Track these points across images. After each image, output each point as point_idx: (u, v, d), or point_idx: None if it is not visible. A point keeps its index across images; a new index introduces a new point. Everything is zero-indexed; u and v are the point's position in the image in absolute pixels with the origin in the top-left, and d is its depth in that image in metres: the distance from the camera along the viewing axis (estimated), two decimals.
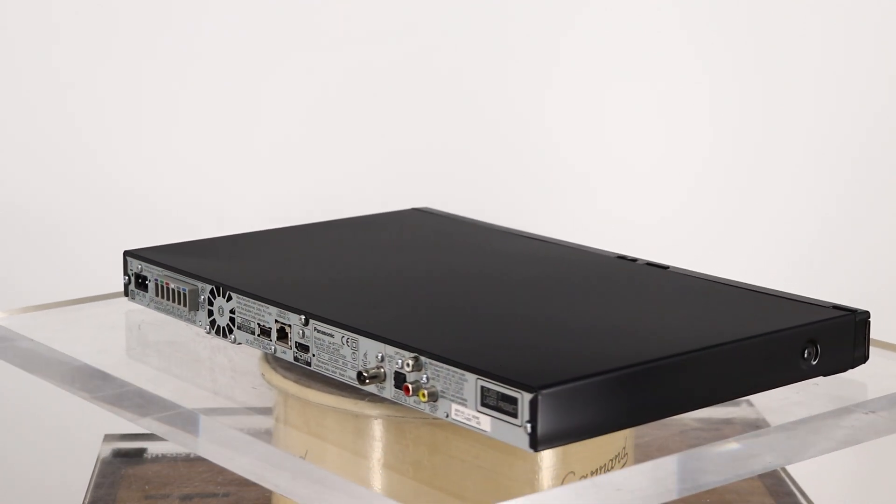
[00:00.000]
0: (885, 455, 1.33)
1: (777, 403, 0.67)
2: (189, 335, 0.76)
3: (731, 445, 0.61)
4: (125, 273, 0.77)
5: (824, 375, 0.66)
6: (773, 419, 0.65)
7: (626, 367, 0.58)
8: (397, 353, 0.61)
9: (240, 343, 0.70)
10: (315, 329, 0.65)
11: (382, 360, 0.61)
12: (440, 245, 0.79)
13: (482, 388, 0.57)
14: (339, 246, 0.79)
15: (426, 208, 0.87)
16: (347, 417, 0.65)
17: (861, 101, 1.31)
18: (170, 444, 0.89)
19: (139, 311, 0.78)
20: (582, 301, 0.68)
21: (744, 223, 1.31)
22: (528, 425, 0.56)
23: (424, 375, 0.60)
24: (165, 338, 0.77)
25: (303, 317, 0.65)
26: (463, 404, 0.58)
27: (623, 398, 0.58)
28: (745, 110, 1.30)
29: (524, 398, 0.56)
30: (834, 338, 0.66)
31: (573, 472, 0.64)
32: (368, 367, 0.62)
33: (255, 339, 0.69)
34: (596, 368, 0.58)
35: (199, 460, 0.88)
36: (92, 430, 1.06)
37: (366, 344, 0.62)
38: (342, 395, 0.66)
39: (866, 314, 0.67)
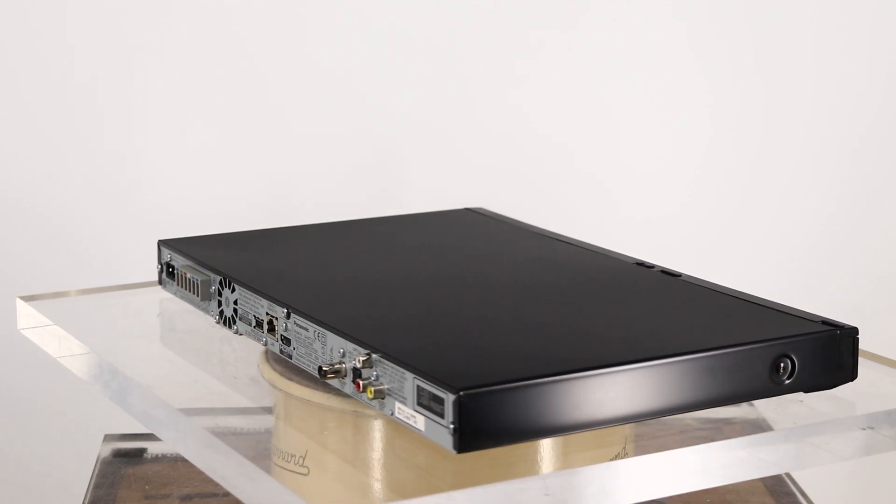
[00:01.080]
0: (884, 454, 1.33)
1: (776, 402, 0.67)
2: (202, 325, 0.77)
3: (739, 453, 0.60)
4: (158, 262, 0.79)
5: (805, 392, 0.63)
6: (773, 418, 0.65)
7: (561, 374, 0.57)
8: (355, 349, 0.61)
9: (241, 334, 0.71)
10: (295, 323, 0.66)
11: (344, 355, 0.62)
12: (465, 246, 0.79)
13: (418, 387, 0.57)
14: (366, 243, 0.79)
15: (479, 209, 0.86)
16: (345, 416, 0.65)
17: (861, 100, 1.31)
18: (170, 444, 0.90)
19: (169, 300, 0.80)
20: (563, 306, 0.67)
21: (747, 221, 1.31)
22: (452, 426, 0.56)
23: (374, 373, 0.60)
24: (182, 326, 0.79)
25: (286, 310, 0.67)
26: (404, 403, 0.58)
27: (556, 405, 0.57)
28: (743, 110, 1.30)
29: (449, 398, 0.56)
30: (813, 354, 0.63)
31: None
32: (331, 362, 0.63)
33: (251, 330, 0.70)
34: (530, 373, 0.57)
35: None
36: (92, 430, 1.06)
37: (332, 340, 0.63)
38: (314, 389, 0.66)
39: (853, 331, 0.64)
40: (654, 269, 0.73)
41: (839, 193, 1.31)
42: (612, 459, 0.65)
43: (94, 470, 0.90)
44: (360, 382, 0.60)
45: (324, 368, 0.62)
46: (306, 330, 0.65)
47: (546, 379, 0.57)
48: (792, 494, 0.83)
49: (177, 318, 0.79)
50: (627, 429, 0.66)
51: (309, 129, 1.25)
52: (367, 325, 0.64)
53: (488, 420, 0.56)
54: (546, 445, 0.63)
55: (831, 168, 1.30)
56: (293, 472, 0.66)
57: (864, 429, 0.64)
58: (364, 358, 0.61)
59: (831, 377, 0.64)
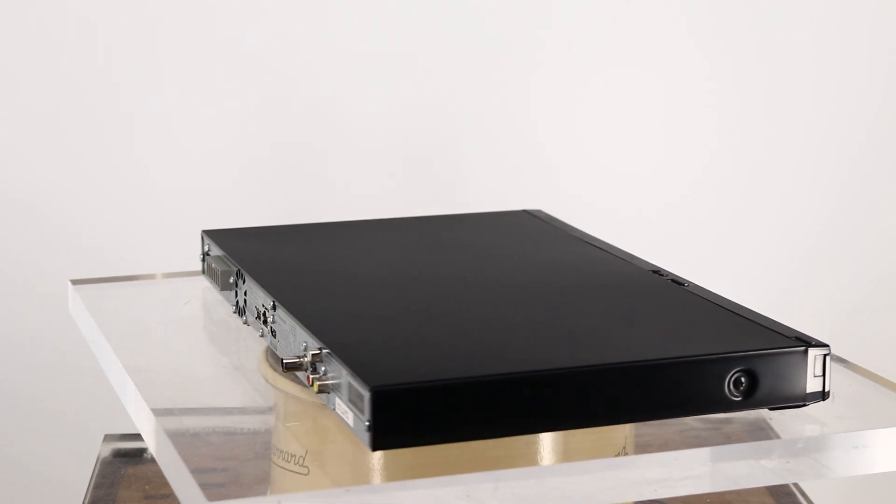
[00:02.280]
0: None
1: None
2: (223, 316, 0.78)
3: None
4: (201, 251, 0.80)
5: (770, 409, 0.60)
6: (772, 416, 0.65)
7: (488, 376, 0.56)
8: (312, 344, 0.61)
9: (248, 324, 0.72)
10: (279, 315, 0.67)
11: (306, 349, 0.62)
12: (491, 247, 0.78)
13: (348, 383, 0.57)
14: (399, 241, 0.79)
15: (537, 211, 0.85)
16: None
17: (861, 100, 1.31)
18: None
19: (209, 289, 0.81)
20: (541, 309, 0.66)
21: (747, 220, 1.31)
22: (367, 423, 0.55)
23: (324, 368, 0.60)
24: (206, 316, 0.80)
25: (272, 303, 0.67)
26: (341, 398, 0.58)
27: (477, 407, 0.56)
28: (744, 110, 1.30)
29: (366, 395, 0.55)
30: (776, 371, 0.59)
31: None
32: (296, 355, 0.63)
33: (254, 321, 0.71)
34: (456, 373, 0.56)
35: None
36: (92, 430, 1.06)
37: (300, 334, 0.63)
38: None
39: (823, 348, 0.60)
40: (665, 278, 0.70)
41: (839, 193, 1.30)
42: (612, 458, 0.65)
43: (94, 470, 0.90)
44: (310, 377, 0.60)
45: (285, 361, 0.62)
46: (285, 323, 0.66)
47: (467, 380, 0.56)
48: (792, 494, 0.83)
49: (210, 308, 0.81)
50: (628, 428, 0.66)
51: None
52: (332, 320, 0.64)
53: (403, 418, 0.55)
54: (546, 444, 0.63)
55: (831, 168, 1.30)
56: (293, 472, 0.66)
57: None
58: (315, 352, 0.61)
59: (799, 395, 0.60)
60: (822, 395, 0.60)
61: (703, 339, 0.61)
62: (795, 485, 0.84)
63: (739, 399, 0.59)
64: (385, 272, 0.73)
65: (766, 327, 0.62)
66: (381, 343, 0.61)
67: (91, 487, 0.88)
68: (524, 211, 0.86)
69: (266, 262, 0.74)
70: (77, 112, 1.23)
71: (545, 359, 0.58)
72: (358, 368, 0.57)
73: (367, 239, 0.80)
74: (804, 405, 0.60)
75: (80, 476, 0.97)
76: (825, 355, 0.60)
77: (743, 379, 0.59)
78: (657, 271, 0.71)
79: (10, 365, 1.24)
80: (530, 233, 0.81)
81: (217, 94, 1.24)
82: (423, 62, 1.26)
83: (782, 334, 0.61)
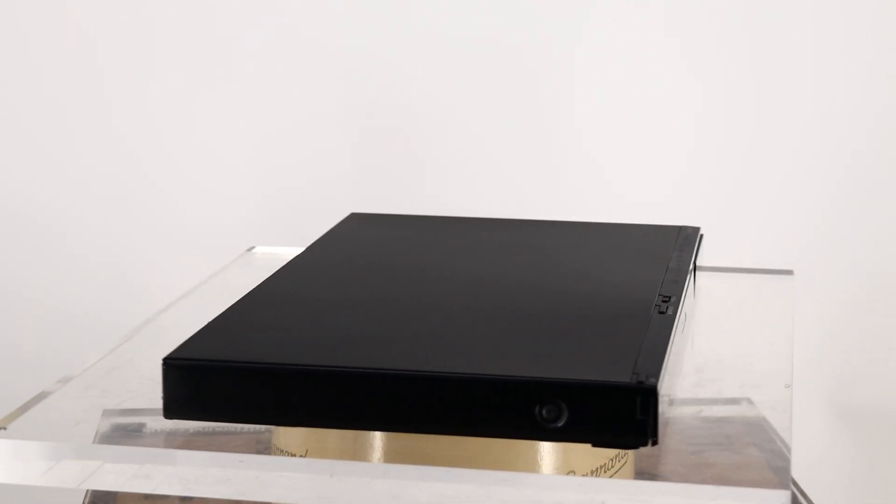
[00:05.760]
0: (884, 455, 1.33)
1: (774, 402, 0.67)
2: None
3: None
4: None
5: (592, 444, 0.55)
6: (773, 416, 0.65)
7: (274, 364, 0.58)
8: None
9: None
10: None
11: None
12: (560, 258, 0.77)
13: None
14: (480, 241, 0.80)
15: (692, 229, 0.84)
16: None
17: (862, 97, 1.31)
18: None
19: None
20: (463, 316, 0.66)
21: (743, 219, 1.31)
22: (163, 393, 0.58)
23: None
24: None
25: None
26: None
27: (258, 392, 0.58)
28: (738, 105, 1.30)
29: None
30: (591, 405, 0.54)
31: (573, 471, 0.64)
32: None
33: None
34: (247, 357, 0.58)
35: None
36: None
37: None
38: None
39: (646, 390, 0.54)
40: (658, 306, 0.66)
41: (838, 191, 1.31)
42: (612, 458, 0.65)
43: None
44: None
45: None
46: None
47: (244, 365, 0.58)
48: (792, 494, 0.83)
49: None
50: None
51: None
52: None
53: (185, 392, 0.58)
54: (545, 444, 0.63)
55: (831, 166, 1.30)
56: None
57: None
58: None
59: (620, 436, 0.55)
60: (647, 440, 0.54)
61: (529, 360, 0.58)
62: (795, 485, 0.85)
63: (550, 430, 0.55)
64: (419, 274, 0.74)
65: (594, 356, 0.58)
66: (254, 325, 0.63)
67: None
68: (679, 227, 0.82)
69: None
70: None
71: (351, 357, 0.59)
72: (188, 341, 0.60)
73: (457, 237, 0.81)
74: (630, 447, 0.55)
75: None
76: (653, 396, 0.54)
77: (556, 408, 0.55)
78: (666, 299, 0.67)
79: (11, 365, 1.25)
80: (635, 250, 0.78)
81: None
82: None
83: (616, 367, 0.56)
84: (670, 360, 0.61)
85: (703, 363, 0.73)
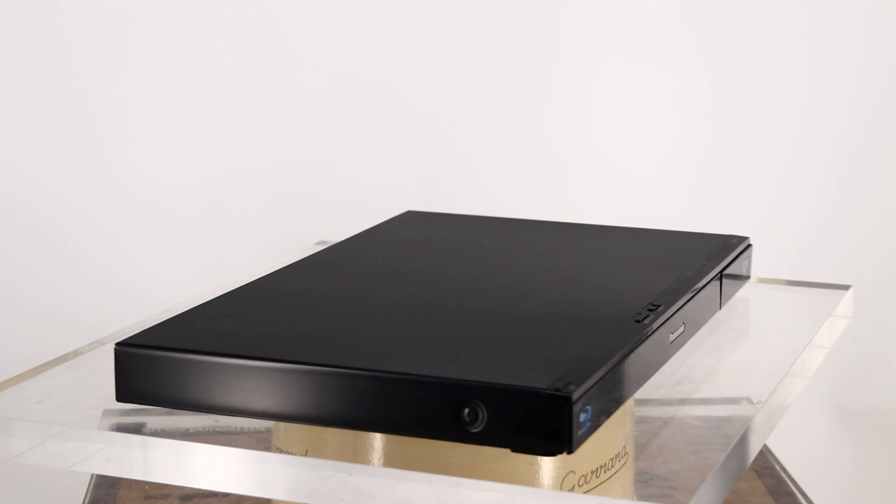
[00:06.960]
0: (884, 454, 1.33)
1: (778, 401, 0.67)
2: None
3: None
4: None
5: (511, 450, 0.54)
6: (772, 416, 0.65)
7: (208, 354, 0.59)
8: None
9: None
10: None
11: None
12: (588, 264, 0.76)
13: None
14: (497, 241, 0.79)
15: (740, 238, 0.82)
16: None
17: (858, 96, 1.31)
18: None
19: None
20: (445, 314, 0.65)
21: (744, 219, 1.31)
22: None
23: None
24: None
25: None
26: None
27: (194, 382, 0.59)
28: (738, 104, 1.30)
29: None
30: (508, 410, 0.54)
31: (573, 472, 0.64)
32: None
33: None
34: (191, 345, 0.59)
35: None
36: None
37: None
38: None
39: (561, 398, 0.53)
40: (637, 316, 0.64)
41: (837, 192, 1.31)
42: (612, 458, 0.66)
43: None
44: None
45: None
46: None
47: (185, 355, 0.59)
48: (792, 494, 0.83)
49: None
50: (629, 427, 0.66)
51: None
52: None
53: (132, 377, 0.59)
54: None
55: (829, 166, 1.31)
56: None
57: None
58: None
59: (536, 443, 0.54)
60: (565, 446, 0.54)
61: (459, 362, 0.57)
62: (795, 485, 0.85)
63: (469, 433, 0.54)
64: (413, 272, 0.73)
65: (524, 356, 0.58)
66: (223, 316, 0.64)
67: (91, 487, 0.88)
68: (727, 236, 0.79)
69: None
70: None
71: (283, 351, 0.59)
72: (152, 328, 0.62)
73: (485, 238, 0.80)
74: (549, 453, 0.54)
75: (80, 476, 0.97)
76: (565, 403, 0.53)
77: (476, 411, 0.54)
78: (653, 308, 0.66)
79: (10, 365, 1.25)
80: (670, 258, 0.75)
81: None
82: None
83: (541, 373, 0.55)
84: (644, 367, 0.61)
85: (688, 372, 0.72)
